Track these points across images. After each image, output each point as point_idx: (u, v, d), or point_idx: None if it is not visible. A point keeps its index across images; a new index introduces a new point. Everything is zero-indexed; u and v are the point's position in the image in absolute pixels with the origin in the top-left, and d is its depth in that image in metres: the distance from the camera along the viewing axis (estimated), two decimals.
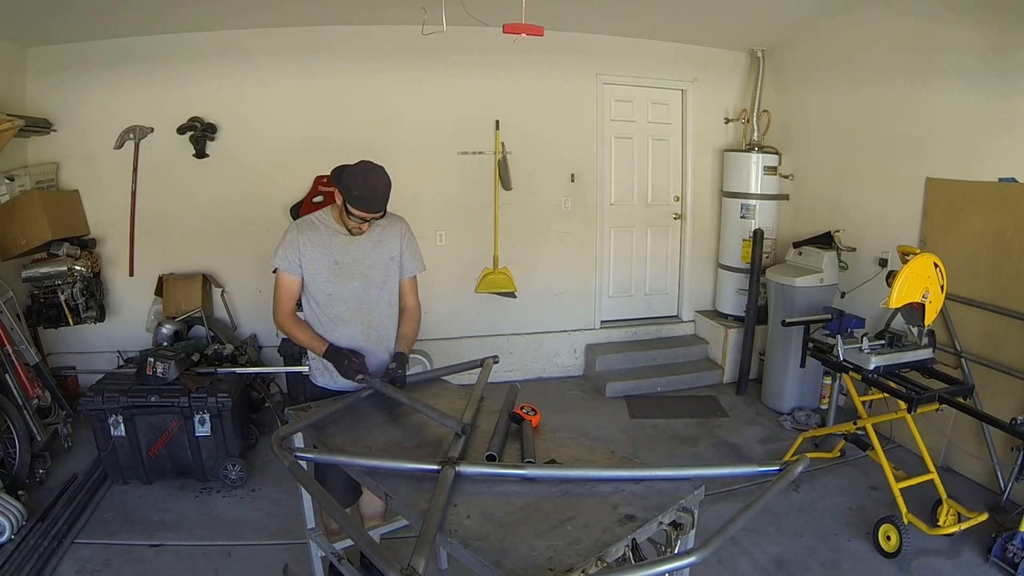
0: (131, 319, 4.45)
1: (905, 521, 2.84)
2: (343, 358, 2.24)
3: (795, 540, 3.00)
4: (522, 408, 2.06)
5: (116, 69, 4.25)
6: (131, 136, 4.35)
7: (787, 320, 3.79)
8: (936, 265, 2.94)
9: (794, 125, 4.94)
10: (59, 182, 4.32)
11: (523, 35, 2.89)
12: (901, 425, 3.26)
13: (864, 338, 3.17)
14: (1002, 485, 3.22)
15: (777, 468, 1.65)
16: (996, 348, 3.41)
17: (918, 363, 3.12)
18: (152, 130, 4.38)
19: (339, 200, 2.22)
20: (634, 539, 1.47)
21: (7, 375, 3.42)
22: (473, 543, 1.45)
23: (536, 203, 4.99)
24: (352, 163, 2.22)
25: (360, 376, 2.23)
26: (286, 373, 4.02)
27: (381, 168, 2.21)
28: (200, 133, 4.36)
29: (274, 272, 2.34)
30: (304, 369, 2.52)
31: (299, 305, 2.39)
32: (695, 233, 5.41)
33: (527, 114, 4.83)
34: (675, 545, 1.61)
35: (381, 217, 2.25)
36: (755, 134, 4.99)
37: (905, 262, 2.94)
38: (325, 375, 2.39)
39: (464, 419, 1.96)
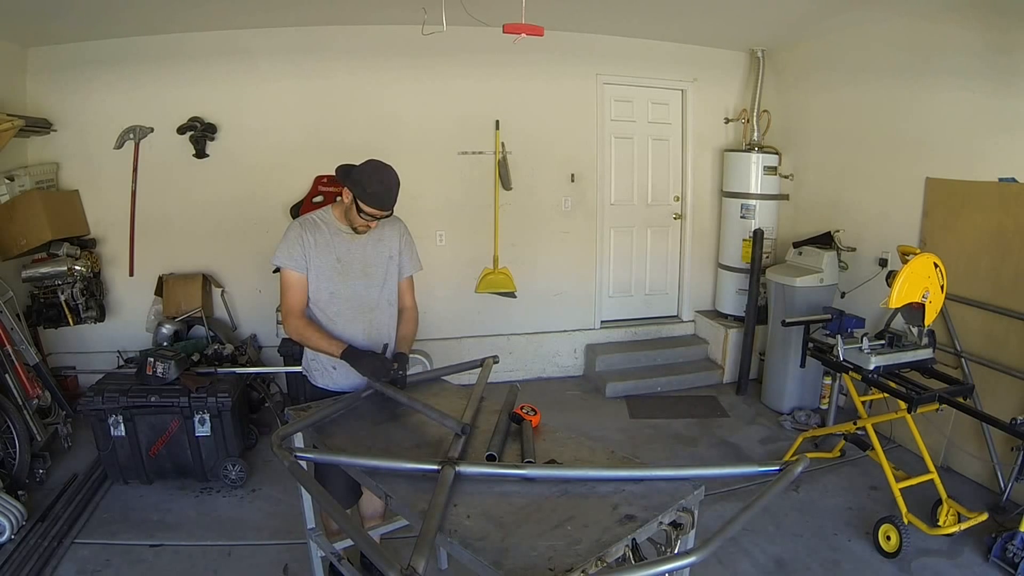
0: (131, 319, 4.45)
1: (905, 521, 2.84)
2: (366, 357, 2.20)
3: (795, 540, 3.00)
4: (522, 408, 2.06)
5: (116, 69, 4.25)
6: (131, 136, 4.35)
7: (787, 320, 3.79)
8: (936, 265, 2.94)
9: (794, 125, 4.94)
10: (59, 182, 4.32)
11: (523, 35, 2.89)
12: (901, 425, 3.27)
13: (864, 338, 3.17)
14: (1002, 485, 3.22)
15: (777, 468, 1.65)
16: (996, 348, 3.41)
17: (918, 363, 3.12)
18: (152, 130, 4.38)
19: (347, 199, 2.22)
20: (634, 539, 1.47)
21: (7, 375, 3.42)
22: (473, 543, 1.45)
23: (536, 203, 4.99)
24: (357, 162, 2.22)
25: (395, 366, 2.20)
26: (286, 373, 4.03)
27: (391, 166, 2.22)
28: (200, 133, 4.36)
29: (275, 272, 2.33)
30: (301, 369, 2.51)
31: None
32: (695, 233, 5.41)
33: (527, 114, 4.83)
34: (675, 545, 1.61)
35: (389, 216, 2.25)
36: (755, 134, 4.99)
37: (905, 262, 2.94)
38: (325, 375, 2.38)
39: (464, 419, 1.95)
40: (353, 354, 2.21)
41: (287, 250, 2.26)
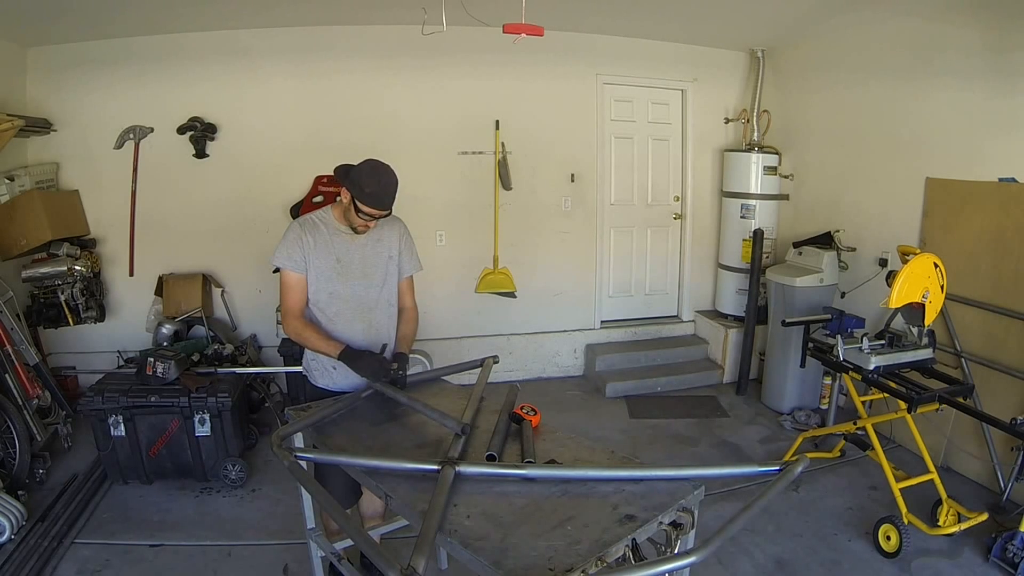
0: (131, 319, 4.45)
1: (905, 521, 2.84)
2: (364, 358, 2.20)
3: (795, 540, 3.00)
4: (522, 408, 2.06)
5: (116, 69, 4.26)
6: (131, 136, 4.35)
7: (787, 320, 3.79)
8: (936, 265, 2.94)
9: (794, 125, 4.94)
10: (59, 182, 4.32)
11: (523, 35, 2.89)
12: (901, 425, 3.27)
13: (864, 338, 3.17)
14: (1002, 485, 3.22)
15: (777, 468, 1.65)
16: (996, 348, 3.41)
17: (918, 363, 3.12)
18: (152, 130, 4.38)
19: (345, 199, 2.23)
20: (634, 539, 1.47)
21: (7, 375, 3.42)
22: (473, 543, 1.45)
23: (536, 203, 4.99)
24: (357, 163, 2.23)
25: (395, 366, 2.20)
26: (286, 373, 4.03)
27: (389, 166, 2.22)
28: (200, 133, 4.36)
29: (275, 272, 2.33)
30: (301, 369, 2.51)
31: None
32: (695, 233, 5.41)
33: (527, 114, 4.83)
34: (675, 545, 1.61)
35: (387, 215, 2.25)
36: (755, 134, 4.99)
37: (905, 262, 2.94)
38: (325, 375, 2.38)
39: (464, 419, 1.95)
40: (351, 355, 2.21)
41: (286, 251, 2.26)
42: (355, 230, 2.28)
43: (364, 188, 2.15)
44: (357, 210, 2.18)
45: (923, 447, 3.06)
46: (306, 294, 2.30)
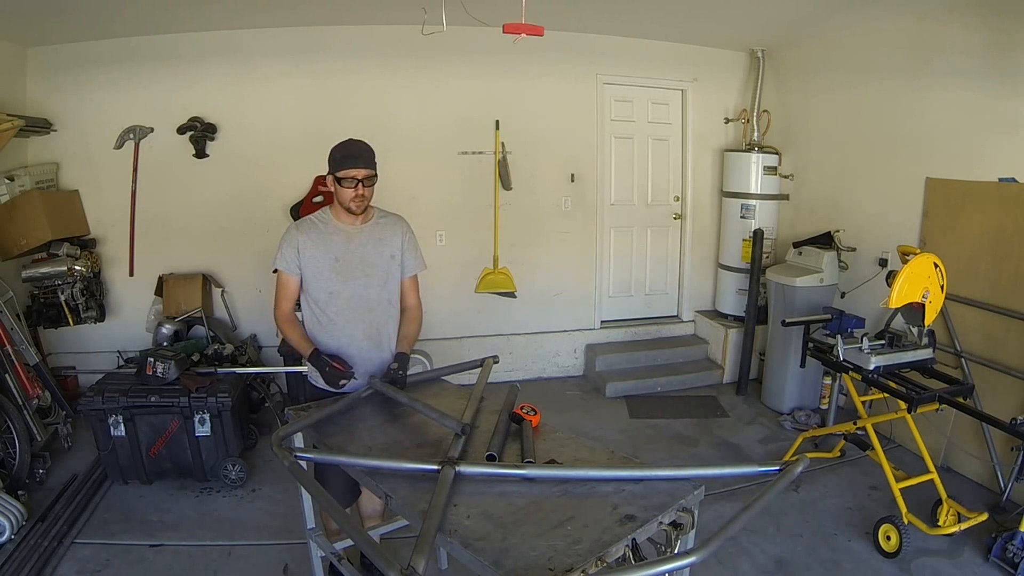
0: (131, 319, 4.45)
1: (905, 521, 2.84)
2: (325, 364, 2.24)
3: (795, 540, 3.00)
4: (522, 408, 2.06)
5: (116, 69, 4.26)
6: (131, 136, 4.35)
7: (787, 320, 3.79)
8: (936, 265, 2.94)
9: (794, 125, 4.94)
10: (59, 182, 4.32)
11: (523, 35, 2.89)
12: (901, 425, 3.27)
13: (864, 338, 3.17)
14: (1002, 485, 3.22)
15: (777, 468, 1.65)
16: (996, 348, 3.41)
17: (918, 363, 3.12)
18: (152, 130, 4.38)
19: (331, 184, 2.27)
20: (634, 539, 1.47)
21: (7, 375, 3.42)
22: (473, 543, 1.45)
23: (536, 203, 4.99)
24: None
25: (343, 382, 2.25)
26: (286, 373, 4.02)
27: (359, 139, 2.29)
28: (200, 133, 4.36)
29: (274, 272, 2.35)
30: (304, 369, 2.52)
31: (299, 305, 2.40)
32: (695, 233, 5.41)
33: (527, 114, 4.83)
34: (675, 545, 1.61)
35: (373, 177, 2.24)
36: (755, 134, 4.99)
37: (905, 262, 2.94)
38: None
39: (464, 419, 1.95)
40: (317, 359, 2.25)
41: (281, 252, 2.31)
42: (352, 211, 2.27)
43: (335, 156, 2.22)
44: (341, 183, 2.21)
45: (923, 447, 3.06)
46: (296, 294, 2.35)
